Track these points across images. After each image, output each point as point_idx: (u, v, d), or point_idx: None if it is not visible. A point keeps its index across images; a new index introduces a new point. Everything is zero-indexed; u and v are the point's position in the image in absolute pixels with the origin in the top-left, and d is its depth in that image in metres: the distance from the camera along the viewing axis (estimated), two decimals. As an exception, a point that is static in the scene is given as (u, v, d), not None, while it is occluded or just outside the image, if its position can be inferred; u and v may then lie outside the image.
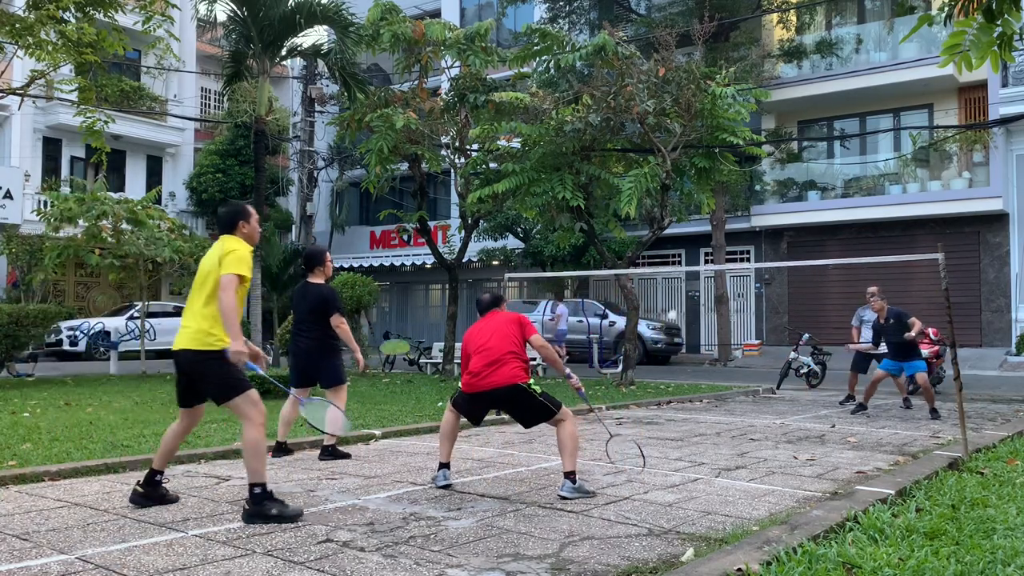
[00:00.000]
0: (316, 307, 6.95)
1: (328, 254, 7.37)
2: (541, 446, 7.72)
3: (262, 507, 4.65)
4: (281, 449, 7.06)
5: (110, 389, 13.20)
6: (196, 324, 4.99)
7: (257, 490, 4.67)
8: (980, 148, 21.07)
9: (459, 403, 5.77)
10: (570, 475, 5.41)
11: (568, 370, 5.91)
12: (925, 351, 13.01)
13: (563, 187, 13.93)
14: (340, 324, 6.93)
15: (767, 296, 24.24)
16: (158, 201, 23.54)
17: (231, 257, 4.85)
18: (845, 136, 22.79)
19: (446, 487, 5.68)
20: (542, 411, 5.55)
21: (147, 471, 5.15)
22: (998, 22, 4.71)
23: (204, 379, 5.02)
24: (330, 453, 6.95)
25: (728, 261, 23.36)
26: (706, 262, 24.17)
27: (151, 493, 5.06)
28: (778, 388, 14.29)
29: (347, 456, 7.02)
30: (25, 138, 25.32)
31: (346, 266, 28.75)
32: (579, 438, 5.70)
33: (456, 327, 18.22)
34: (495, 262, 26.58)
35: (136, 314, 22.23)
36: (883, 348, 11.84)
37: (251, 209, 5.25)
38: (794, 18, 23.38)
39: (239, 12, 15.87)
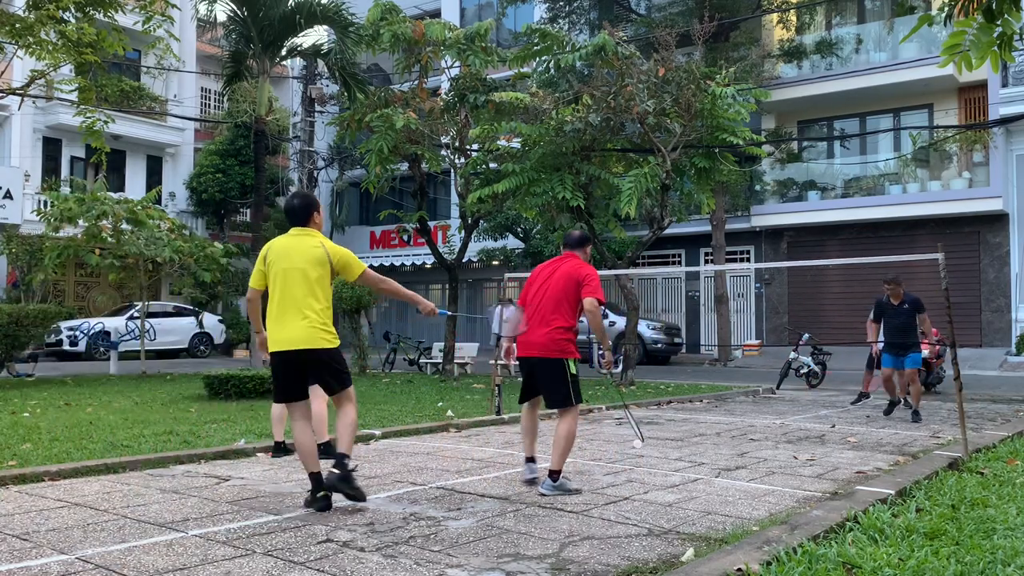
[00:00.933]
0: None
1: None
2: (541, 446, 7.72)
3: (346, 477, 4.91)
4: (280, 449, 7.05)
5: (110, 389, 13.20)
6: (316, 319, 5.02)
7: (348, 463, 4.95)
8: (980, 148, 21.07)
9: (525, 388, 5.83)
10: (554, 473, 5.45)
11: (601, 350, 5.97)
12: (925, 351, 13.02)
13: (563, 187, 13.93)
14: None
15: (767, 296, 24.24)
16: (158, 201, 23.55)
17: (348, 257, 5.20)
18: (845, 136, 22.79)
19: (530, 482, 5.73)
20: (566, 397, 5.56)
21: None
22: (998, 22, 4.71)
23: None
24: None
25: (728, 261, 23.36)
26: (706, 262, 24.17)
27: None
28: (778, 388, 14.29)
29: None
30: (25, 138, 25.32)
31: (346, 266, 28.70)
32: (575, 439, 5.77)
33: (456, 327, 18.23)
34: (495, 262, 26.58)
35: (136, 314, 22.23)
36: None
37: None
38: (794, 18, 23.38)
39: (239, 12, 15.88)
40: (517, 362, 5.87)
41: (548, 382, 5.62)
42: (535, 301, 5.79)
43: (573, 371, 5.56)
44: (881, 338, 11.82)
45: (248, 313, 5.67)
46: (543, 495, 5.36)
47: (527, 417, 5.92)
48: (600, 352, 5.63)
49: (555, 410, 5.74)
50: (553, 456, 5.52)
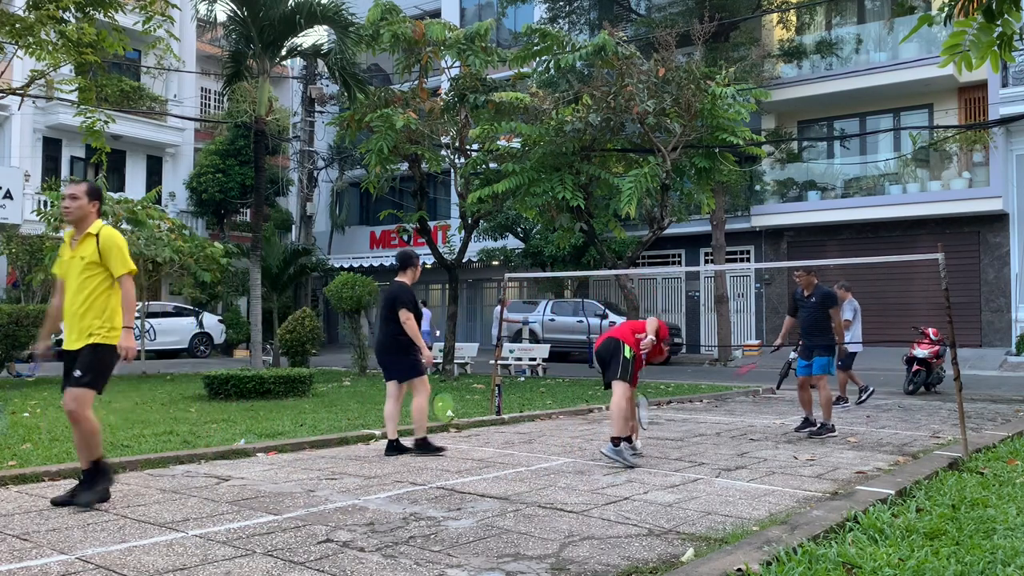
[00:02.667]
0: (385, 304, 7.30)
1: (418, 258, 7.66)
2: (541, 446, 7.73)
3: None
4: (394, 447, 7.16)
5: (110, 389, 13.17)
6: None
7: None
8: (980, 148, 21.07)
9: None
10: (613, 439, 6.67)
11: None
12: (925, 351, 13.02)
13: (563, 187, 13.93)
14: (406, 319, 7.14)
15: (767, 296, 24.24)
16: (158, 201, 23.54)
17: None
18: (845, 136, 22.79)
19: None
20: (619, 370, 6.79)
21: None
22: (998, 22, 4.71)
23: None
24: (421, 448, 7.23)
25: (728, 261, 23.35)
26: (706, 262, 24.16)
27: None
28: (778, 388, 14.24)
29: (441, 450, 7.27)
30: (25, 138, 25.32)
31: (346, 266, 28.75)
32: (619, 415, 6.70)
33: (456, 327, 18.22)
34: (495, 262, 26.58)
35: (136, 314, 22.23)
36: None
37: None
38: (794, 18, 23.38)
39: (239, 12, 15.86)
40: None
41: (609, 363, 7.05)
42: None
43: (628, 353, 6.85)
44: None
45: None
46: (603, 454, 6.71)
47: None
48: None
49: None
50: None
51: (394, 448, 7.14)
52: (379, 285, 18.08)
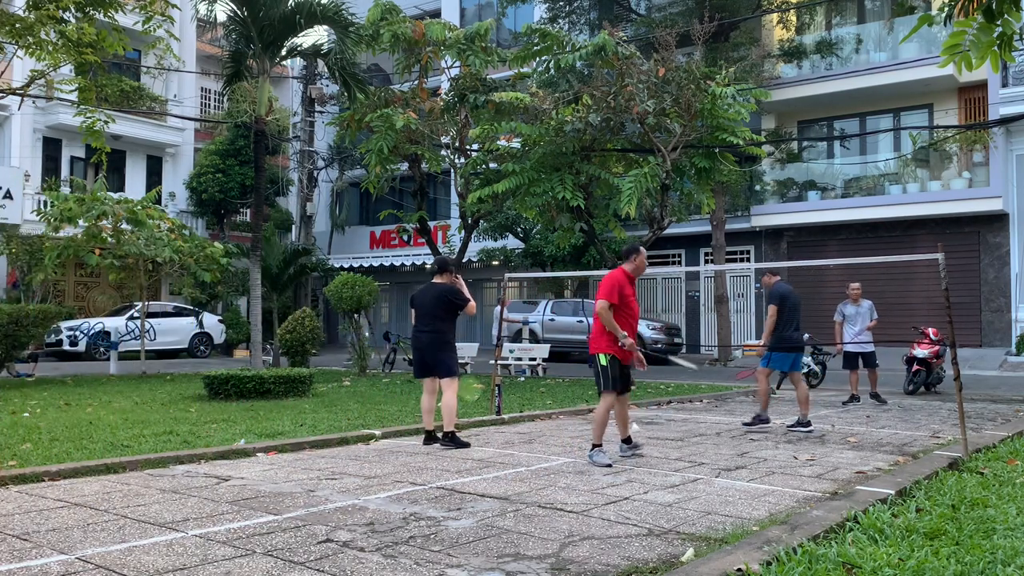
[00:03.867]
0: (438, 302, 7.65)
1: (454, 267, 8.15)
2: (541, 446, 7.73)
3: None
4: (431, 438, 7.65)
5: (110, 389, 13.20)
6: None
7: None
8: (980, 148, 21.06)
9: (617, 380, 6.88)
10: (624, 440, 7.13)
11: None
12: (925, 351, 13.02)
13: (563, 187, 13.93)
14: (470, 311, 7.79)
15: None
16: (158, 201, 23.54)
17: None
18: (845, 136, 22.78)
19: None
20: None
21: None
22: (998, 22, 4.70)
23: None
24: (449, 440, 7.56)
25: (728, 261, 23.35)
26: (706, 262, 24.16)
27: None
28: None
29: (466, 444, 7.60)
30: (25, 138, 25.31)
31: (346, 266, 28.75)
32: (597, 423, 6.83)
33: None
34: (495, 262, 26.58)
35: (136, 314, 22.23)
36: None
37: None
38: (794, 18, 23.37)
39: (239, 12, 15.86)
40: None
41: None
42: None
43: (603, 363, 6.84)
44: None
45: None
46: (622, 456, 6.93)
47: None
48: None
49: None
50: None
51: (432, 438, 7.66)
52: (379, 285, 18.11)
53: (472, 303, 7.80)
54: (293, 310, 21.59)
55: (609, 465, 6.54)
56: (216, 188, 28.42)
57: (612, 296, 6.74)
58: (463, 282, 8.13)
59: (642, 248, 7.10)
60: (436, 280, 7.87)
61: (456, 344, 8.00)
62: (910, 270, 20.89)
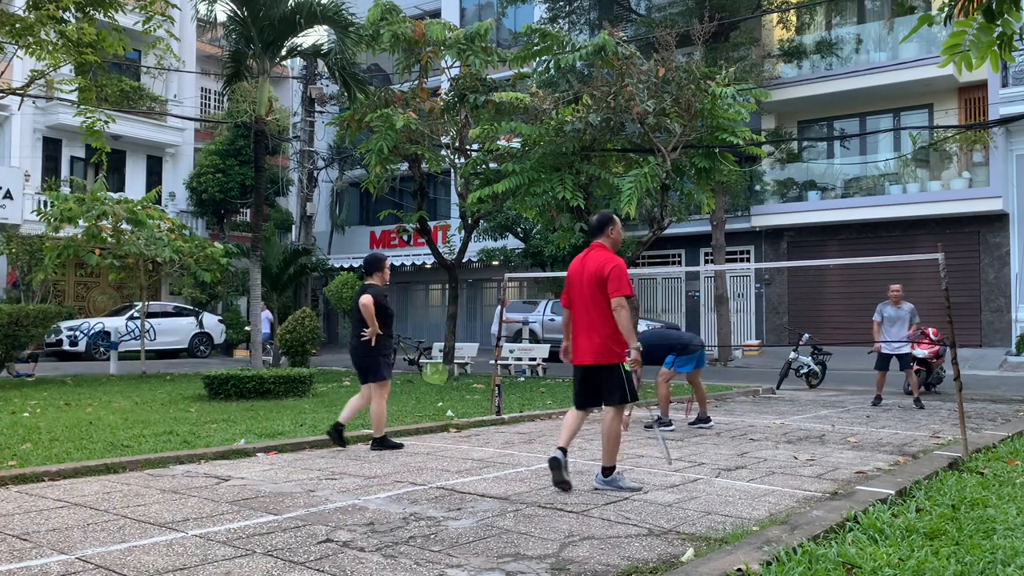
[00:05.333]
0: (356, 309, 7.35)
1: (387, 260, 7.70)
2: (541, 446, 7.73)
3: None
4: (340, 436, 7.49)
5: (110, 389, 13.20)
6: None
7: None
8: (980, 148, 21.07)
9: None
10: (607, 470, 5.68)
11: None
12: (925, 351, 13.01)
13: (563, 187, 13.92)
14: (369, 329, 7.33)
15: (767, 296, 24.24)
16: (158, 201, 23.55)
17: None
18: (845, 136, 22.79)
19: (554, 462, 5.57)
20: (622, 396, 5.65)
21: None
22: (998, 22, 4.70)
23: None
24: (379, 445, 7.39)
25: (728, 261, 23.35)
26: (706, 262, 24.16)
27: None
28: (778, 388, 14.28)
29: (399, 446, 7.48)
30: (25, 138, 25.32)
31: (346, 266, 28.75)
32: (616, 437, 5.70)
33: (456, 327, 18.22)
34: (495, 262, 26.58)
35: (136, 314, 22.23)
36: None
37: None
38: (794, 18, 23.38)
39: (239, 12, 15.86)
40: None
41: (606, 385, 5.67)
42: (579, 304, 5.76)
43: (626, 369, 5.63)
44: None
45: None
46: (596, 488, 5.62)
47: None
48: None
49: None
50: (604, 454, 5.66)
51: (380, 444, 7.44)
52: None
53: (373, 326, 7.22)
54: (293, 310, 21.60)
55: (639, 489, 5.61)
56: (216, 188, 28.43)
57: (630, 287, 5.59)
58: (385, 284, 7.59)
59: (616, 216, 5.89)
60: (367, 282, 7.46)
61: (388, 345, 7.50)
62: (910, 270, 20.88)
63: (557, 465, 5.54)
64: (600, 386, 5.67)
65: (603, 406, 5.68)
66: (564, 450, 5.60)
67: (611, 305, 5.48)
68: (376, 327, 7.27)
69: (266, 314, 21.01)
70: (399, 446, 7.45)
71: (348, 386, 14.01)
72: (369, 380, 7.41)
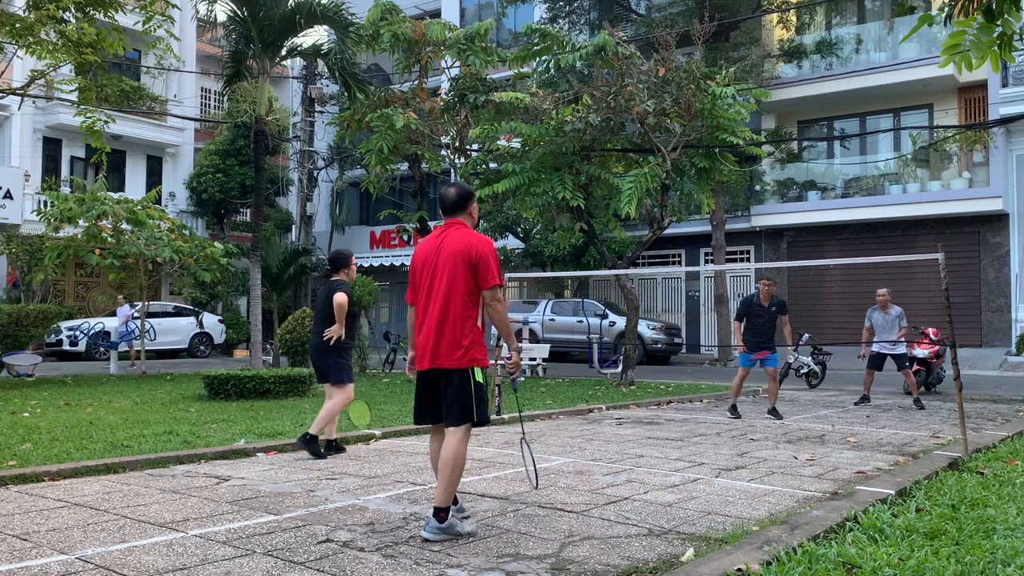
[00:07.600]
0: (326, 303, 7.04)
1: (353, 257, 7.38)
2: (541, 446, 7.72)
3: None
4: (331, 447, 7.22)
5: (110, 389, 13.20)
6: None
7: None
8: (980, 148, 21.07)
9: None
10: (440, 511, 4.29)
11: None
12: (925, 351, 13.01)
13: (563, 187, 13.93)
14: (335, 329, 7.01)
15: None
16: (158, 201, 23.55)
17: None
18: (845, 136, 22.79)
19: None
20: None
21: None
22: (998, 22, 4.70)
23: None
24: (303, 443, 6.96)
25: (728, 261, 23.35)
26: (706, 262, 24.16)
27: None
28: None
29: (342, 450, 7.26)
30: (25, 138, 25.32)
31: (346, 266, 28.68)
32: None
33: (352, 330, 18.16)
34: (495, 262, 26.54)
35: (136, 314, 22.23)
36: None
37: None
38: (794, 18, 23.38)
39: (239, 12, 15.85)
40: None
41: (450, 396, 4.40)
42: (432, 294, 4.48)
43: (479, 380, 4.40)
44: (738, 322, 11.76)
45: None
46: (427, 540, 4.24)
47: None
48: (506, 359, 4.65)
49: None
50: (439, 489, 4.31)
51: (332, 447, 7.16)
52: (379, 285, 18.11)
53: (340, 326, 6.94)
54: (293, 310, 21.60)
55: (474, 533, 4.39)
56: (216, 188, 28.42)
57: (500, 276, 4.47)
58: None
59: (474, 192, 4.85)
60: (335, 278, 7.14)
61: (349, 349, 7.22)
62: (910, 270, 20.90)
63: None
64: (439, 396, 4.40)
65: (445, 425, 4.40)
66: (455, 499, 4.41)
67: (484, 297, 4.40)
68: (342, 328, 6.99)
69: (124, 309, 20.19)
70: (323, 456, 6.91)
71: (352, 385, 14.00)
72: (330, 381, 7.11)
